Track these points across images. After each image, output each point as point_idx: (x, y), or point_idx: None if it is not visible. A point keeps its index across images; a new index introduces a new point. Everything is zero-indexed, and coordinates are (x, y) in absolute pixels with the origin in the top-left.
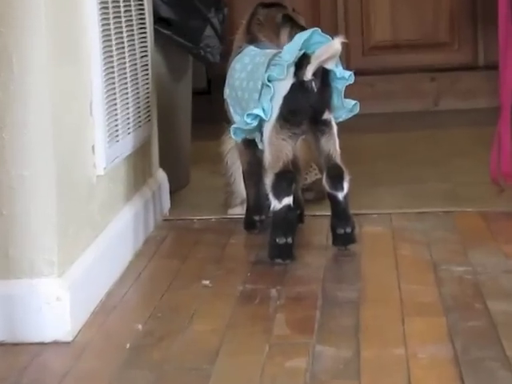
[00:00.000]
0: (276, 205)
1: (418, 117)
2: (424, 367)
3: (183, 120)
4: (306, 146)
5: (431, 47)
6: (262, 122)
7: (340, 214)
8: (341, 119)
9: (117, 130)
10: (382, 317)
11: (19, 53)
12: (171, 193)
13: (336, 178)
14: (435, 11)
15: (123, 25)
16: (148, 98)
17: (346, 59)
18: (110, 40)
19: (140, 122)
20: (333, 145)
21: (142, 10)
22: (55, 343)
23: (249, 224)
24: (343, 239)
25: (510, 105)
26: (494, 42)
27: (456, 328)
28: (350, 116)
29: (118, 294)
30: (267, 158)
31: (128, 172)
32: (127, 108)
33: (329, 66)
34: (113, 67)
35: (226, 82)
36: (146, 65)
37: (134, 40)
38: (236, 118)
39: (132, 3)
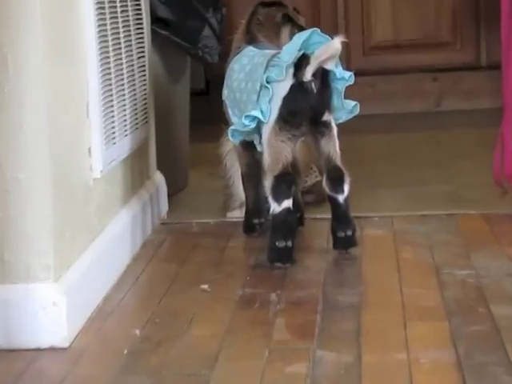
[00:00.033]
0: (275, 208)
1: (420, 118)
2: (426, 372)
3: (181, 121)
4: (305, 147)
5: (433, 47)
6: (260, 123)
7: (340, 217)
8: (341, 120)
9: (114, 132)
10: (384, 321)
11: (14, 53)
12: (169, 195)
13: (336, 180)
14: (437, 10)
15: (120, 25)
16: (145, 99)
17: (346, 59)
18: (107, 40)
19: (137, 123)
20: (333, 146)
21: (139, 9)
22: (51, 349)
23: (248, 227)
24: (344, 242)
25: None
26: (496, 41)
27: (459, 332)
28: (350, 117)
29: (115, 299)
30: (266, 160)
31: (125, 174)
32: (124, 109)
33: (328, 66)
34: (109, 68)
35: (225, 82)
36: (144, 65)
37: (131, 40)
38: (234, 119)
39: (129, 3)
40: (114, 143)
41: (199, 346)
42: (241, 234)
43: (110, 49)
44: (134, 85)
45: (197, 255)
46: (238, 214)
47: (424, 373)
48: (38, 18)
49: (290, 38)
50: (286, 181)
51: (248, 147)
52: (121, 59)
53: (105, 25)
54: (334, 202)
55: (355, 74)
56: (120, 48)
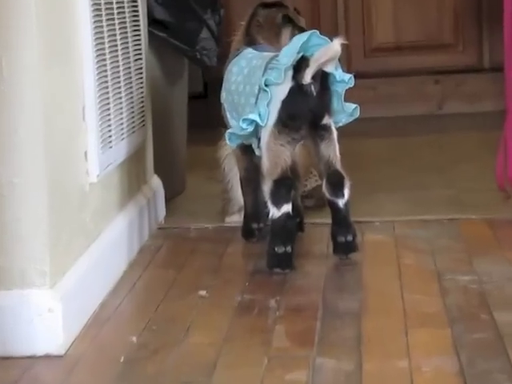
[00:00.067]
0: (275, 212)
1: (422, 121)
2: (428, 380)
3: (179, 125)
4: (305, 151)
5: (435, 49)
6: (258, 127)
7: (341, 222)
8: (341, 124)
9: (110, 136)
10: (385, 328)
11: (9, 53)
12: (167, 200)
13: (336, 184)
14: (439, 11)
15: (116, 27)
16: (142, 102)
17: (346, 61)
18: (103, 42)
19: (134, 127)
20: (333, 150)
21: (136, 11)
22: (47, 356)
23: (247, 232)
24: (344, 248)
25: None
26: (499, 42)
27: (461, 340)
28: (350, 120)
29: (111, 306)
30: (265, 164)
31: (122, 179)
32: (121, 113)
33: (328, 68)
34: (106, 70)
35: (223, 85)
36: (141, 68)
37: (127, 42)
38: (233, 122)
39: (126, 4)
40: (111, 147)
41: (197, 354)
42: (239, 239)
43: (107, 51)
44: (130, 87)
45: (195, 261)
46: (236, 219)
47: (426, 381)
48: (33, 18)
49: (291, 39)
50: (285, 185)
51: (246, 151)
52: (117, 61)
53: (101, 26)
54: (334, 207)
55: (356, 77)
56: (117, 50)
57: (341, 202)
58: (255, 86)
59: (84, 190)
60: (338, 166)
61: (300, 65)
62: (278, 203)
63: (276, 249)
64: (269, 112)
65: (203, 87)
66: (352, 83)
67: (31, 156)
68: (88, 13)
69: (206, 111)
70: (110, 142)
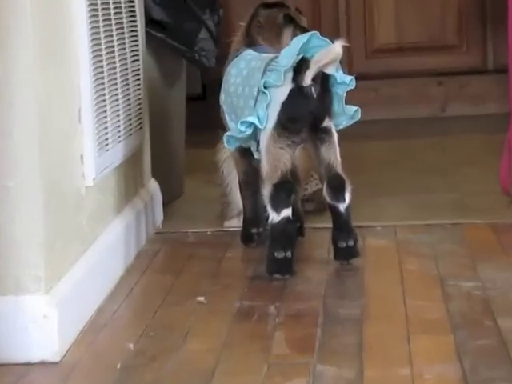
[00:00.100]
0: (274, 217)
1: (425, 123)
2: None
3: (177, 127)
4: (306, 154)
5: (438, 50)
6: (257, 130)
7: (342, 227)
8: (341, 126)
9: (107, 139)
10: (387, 335)
11: (4, 53)
12: (164, 204)
13: (337, 188)
14: (442, 11)
15: (113, 27)
16: (140, 104)
17: (348, 63)
18: (100, 44)
19: (131, 129)
20: (333, 153)
21: (133, 11)
22: (42, 364)
23: (246, 237)
24: (345, 253)
25: None
26: (504, 43)
27: (464, 346)
28: (351, 123)
29: (108, 312)
30: (264, 167)
31: (119, 182)
32: (118, 115)
33: (329, 70)
34: (102, 72)
35: (222, 87)
36: (138, 69)
37: (124, 43)
38: (231, 125)
39: (123, 4)
40: (107, 150)
41: (195, 361)
42: (238, 243)
43: (103, 52)
44: (127, 89)
45: (193, 266)
46: (235, 223)
47: None
48: (28, 18)
49: (292, 39)
50: (285, 189)
51: (245, 154)
52: (114, 62)
53: (98, 27)
54: (334, 211)
55: (357, 78)
56: (113, 51)
57: (342, 207)
58: (254, 88)
59: (80, 194)
60: (339, 169)
61: (300, 66)
62: (277, 207)
63: (276, 254)
64: (268, 115)
65: (202, 89)
66: (353, 85)
67: (26, 159)
68: (84, 13)
69: (204, 113)
70: (107, 144)
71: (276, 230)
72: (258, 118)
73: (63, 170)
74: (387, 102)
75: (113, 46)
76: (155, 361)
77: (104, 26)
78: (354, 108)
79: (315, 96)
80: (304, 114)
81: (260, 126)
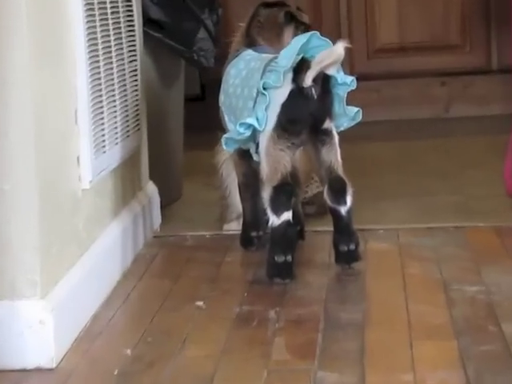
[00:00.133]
0: (274, 220)
1: (428, 124)
2: None
3: (175, 129)
4: (306, 156)
5: (441, 50)
6: (256, 132)
7: (343, 230)
8: (342, 128)
9: (104, 140)
10: (389, 340)
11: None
12: (162, 207)
13: (338, 191)
14: (445, 11)
15: (110, 27)
16: (137, 105)
17: (349, 63)
18: (97, 43)
19: (128, 131)
20: (334, 155)
21: (131, 11)
22: (38, 370)
23: (245, 240)
24: (347, 257)
25: None
26: (508, 43)
27: (468, 352)
28: (352, 124)
29: (105, 317)
30: (264, 169)
31: (116, 185)
32: (115, 116)
33: (330, 71)
34: (99, 72)
35: (221, 87)
36: (135, 70)
37: (121, 43)
38: (231, 126)
39: (120, 4)
40: (104, 152)
41: (193, 367)
42: (238, 247)
43: (100, 52)
44: (125, 90)
45: (191, 270)
46: (234, 227)
47: None
48: (23, 18)
49: (294, 37)
50: (285, 192)
51: (244, 156)
52: (111, 63)
53: (94, 26)
54: (335, 214)
55: (358, 79)
56: (110, 51)
57: (343, 210)
58: (253, 89)
59: (76, 197)
60: (340, 171)
61: (300, 67)
62: (277, 210)
63: (276, 258)
64: (267, 116)
65: (200, 89)
66: (354, 86)
67: (22, 161)
68: (81, 12)
69: (203, 114)
70: (104, 146)
71: (276, 234)
72: (257, 119)
73: (59, 173)
74: (389, 102)
75: (110, 46)
76: (153, 367)
77: (101, 25)
78: (356, 109)
79: (316, 97)
80: (304, 115)
81: (259, 128)
